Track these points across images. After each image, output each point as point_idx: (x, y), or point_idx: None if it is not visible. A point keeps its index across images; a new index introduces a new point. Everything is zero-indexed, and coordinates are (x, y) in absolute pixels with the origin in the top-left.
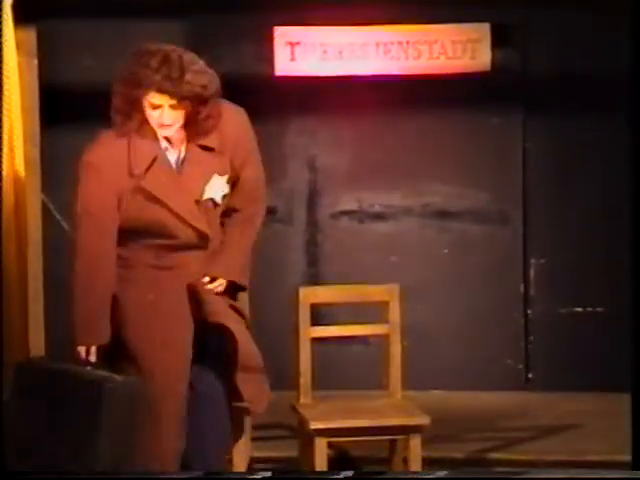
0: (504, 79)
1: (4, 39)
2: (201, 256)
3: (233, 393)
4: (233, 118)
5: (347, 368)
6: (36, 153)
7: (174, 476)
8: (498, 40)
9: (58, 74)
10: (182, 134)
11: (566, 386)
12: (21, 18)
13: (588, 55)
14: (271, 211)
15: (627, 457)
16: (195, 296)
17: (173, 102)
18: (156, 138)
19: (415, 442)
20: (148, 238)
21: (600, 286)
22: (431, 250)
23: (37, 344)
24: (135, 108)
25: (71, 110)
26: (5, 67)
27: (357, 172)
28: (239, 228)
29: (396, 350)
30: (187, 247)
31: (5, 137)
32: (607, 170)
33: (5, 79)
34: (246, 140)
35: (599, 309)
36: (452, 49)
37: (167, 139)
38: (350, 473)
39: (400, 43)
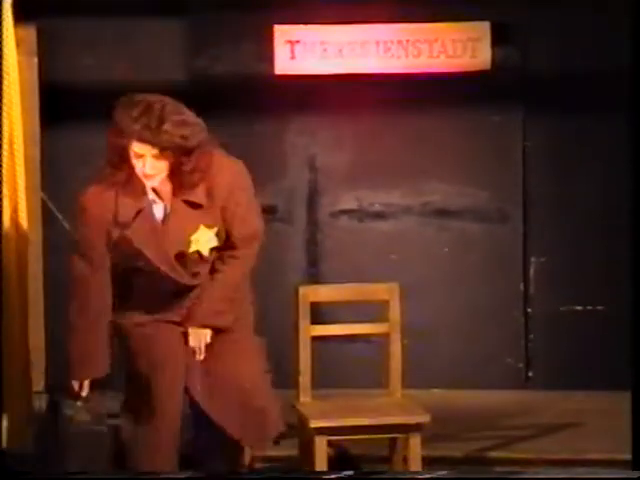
0: (504, 78)
1: (4, 37)
2: (188, 299)
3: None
4: (226, 170)
5: (347, 367)
6: (36, 152)
7: (174, 476)
8: (498, 39)
9: (58, 73)
10: (170, 187)
11: (566, 384)
12: (21, 16)
13: (588, 53)
14: (271, 210)
15: (627, 456)
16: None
17: (155, 152)
18: (144, 190)
19: (415, 440)
20: (136, 281)
21: (600, 284)
22: (431, 249)
23: (37, 344)
24: (123, 159)
25: (71, 109)
26: (5, 65)
27: (357, 171)
28: (227, 267)
29: (396, 349)
30: (171, 293)
31: (5, 136)
32: (607, 169)
33: (5, 77)
34: (240, 191)
35: (599, 307)
36: (452, 48)
37: (155, 191)
38: (350, 473)
39: (400, 42)
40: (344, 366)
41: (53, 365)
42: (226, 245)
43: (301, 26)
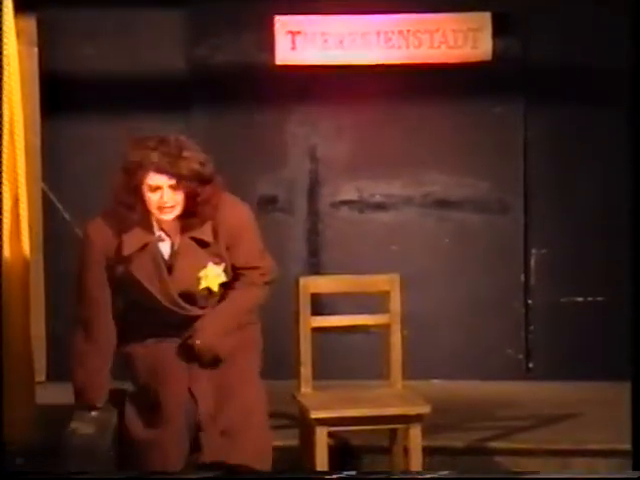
0: (505, 68)
1: (4, 27)
2: (193, 328)
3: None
4: (234, 210)
5: (348, 358)
6: (37, 142)
7: (175, 476)
8: (499, 29)
9: (58, 63)
10: (177, 225)
11: (566, 375)
12: (21, 6)
13: (589, 44)
14: (272, 200)
15: (627, 446)
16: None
17: (172, 182)
18: (151, 227)
19: (415, 431)
20: (139, 314)
21: (600, 276)
22: (431, 239)
23: (38, 334)
24: (137, 198)
25: (72, 99)
26: (5, 55)
27: (358, 161)
28: (235, 292)
29: (396, 340)
30: (176, 323)
31: (5, 126)
32: (608, 160)
33: (5, 67)
34: (245, 232)
35: (599, 299)
36: (453, 38)
37: (162, 229)
38: (352, 473)
39: (401, 32)
40: (345, 357)
41: (54, 355)
42: (234, 277)
43: (302, 16)
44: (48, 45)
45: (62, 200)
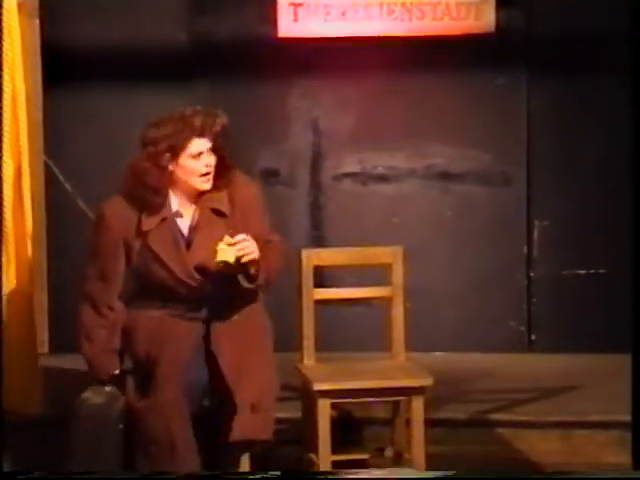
0: (508, 40)
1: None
2: (210, 305)
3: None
4: (247, 184)
5: (350, 330)
6: (39, 115)
7: (175, 476)
8: (502, 1)
9: (60, 35)
10: (196, 199)
11: (568, 348)
12: None
13: (592, 15)
14: (274, 173)
15: (627, 417)
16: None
17: (209, 145)
18: (170, 204)
19: (418, 403)
20: (156, 290)
21: (603, 248)
22: (434, 212)
23: (40, 306)
24: (164, 180)
25: (73, 71)
26: (6, 28)
27: (360, 134)
28: (265, 252)
29: (399, 312)
30: (186, 299)
31: (7, 99)
32: (611, 132)
33: (6, 40)
34: (259, 208)
35: (602, 271)
36: (456, 10)
37: (181, 205)
38: (357, 471)
39: (404, 4)
40: (347, 329)
41: (56, 327)
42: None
43: None
44: (49, 17)
45: (64, 173)
